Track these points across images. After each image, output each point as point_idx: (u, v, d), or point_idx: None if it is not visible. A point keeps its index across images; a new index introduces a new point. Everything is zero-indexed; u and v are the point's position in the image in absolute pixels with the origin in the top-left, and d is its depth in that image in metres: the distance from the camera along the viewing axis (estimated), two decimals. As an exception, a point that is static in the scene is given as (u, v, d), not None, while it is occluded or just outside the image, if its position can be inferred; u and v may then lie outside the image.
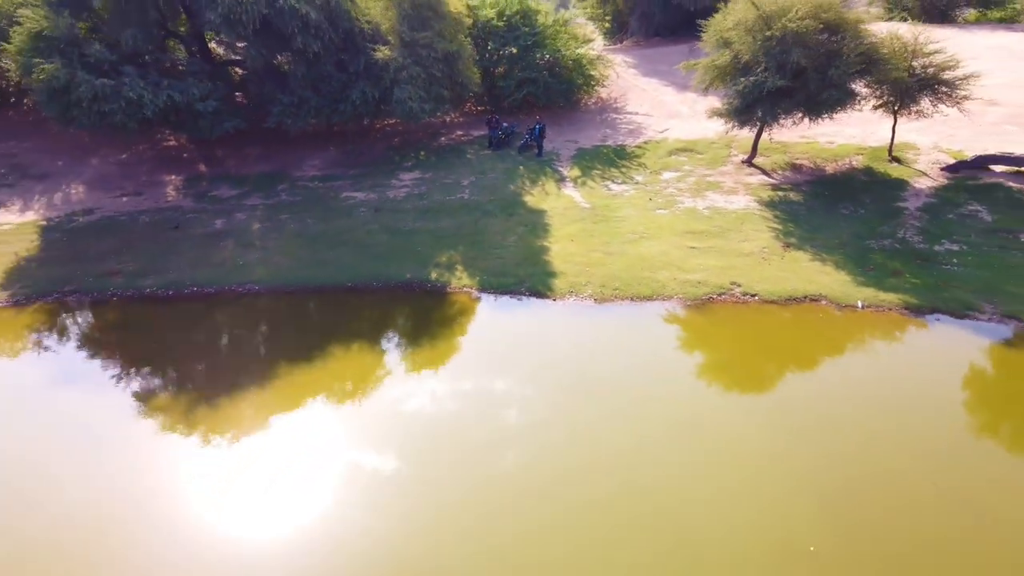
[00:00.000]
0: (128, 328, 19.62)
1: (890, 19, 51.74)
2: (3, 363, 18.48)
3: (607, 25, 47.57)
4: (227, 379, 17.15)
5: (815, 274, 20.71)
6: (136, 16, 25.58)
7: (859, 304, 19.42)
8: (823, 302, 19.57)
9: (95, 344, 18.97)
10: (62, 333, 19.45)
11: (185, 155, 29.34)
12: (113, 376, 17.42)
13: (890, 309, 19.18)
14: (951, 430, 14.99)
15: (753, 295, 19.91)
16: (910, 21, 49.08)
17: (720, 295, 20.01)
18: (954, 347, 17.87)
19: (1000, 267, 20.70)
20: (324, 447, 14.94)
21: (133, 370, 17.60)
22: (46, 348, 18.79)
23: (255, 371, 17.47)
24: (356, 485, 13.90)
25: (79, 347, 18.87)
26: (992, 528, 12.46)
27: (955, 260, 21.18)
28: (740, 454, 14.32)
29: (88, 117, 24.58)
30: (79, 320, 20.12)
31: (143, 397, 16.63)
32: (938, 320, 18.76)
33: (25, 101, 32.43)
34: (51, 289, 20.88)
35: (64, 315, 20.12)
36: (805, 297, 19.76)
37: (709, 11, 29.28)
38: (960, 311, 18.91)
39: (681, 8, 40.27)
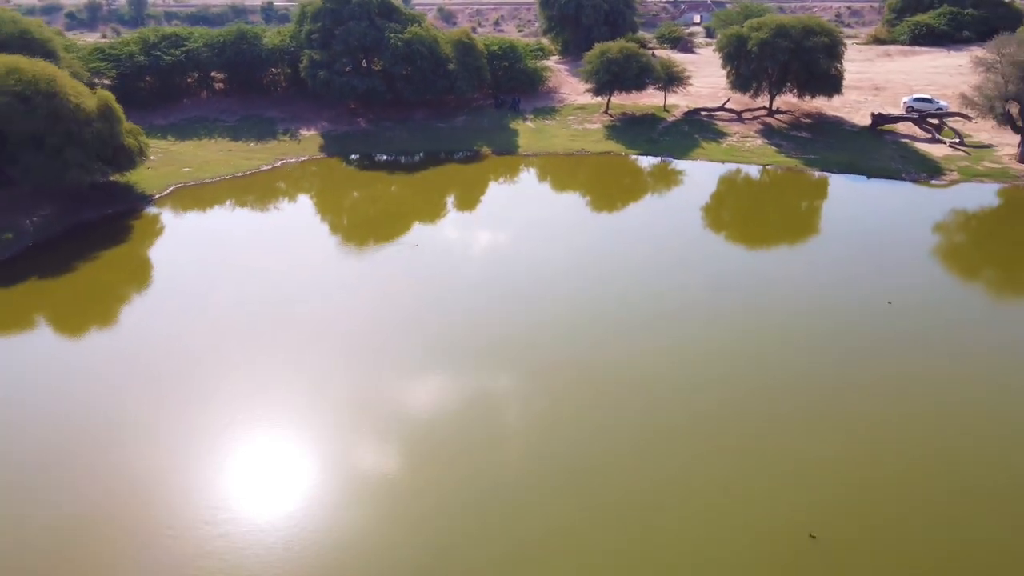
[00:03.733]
0: (372, 165, 56.81)
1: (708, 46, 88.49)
2: (330, 168, 55.59)
3: (559, 46, 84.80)
4: (410, 172, 54.40)
5: (614, 145, 57.92)
6: (349, 54, 62.92)
7: (623, 153, 56.70)
8: (611, 153, 56.81)
9: (358, 162, 56.16)
10: (348, 162, 56.60)
11: (360, 111, 66.50)
12: (374, 170, 54.68)
13: (632, 155, 56.39)
14: (644, 186, 52.47)
15: (588, 152, 57.14)
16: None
17: (576, 152, 57.24)
18: (649, 165, 55.18)
19: (678, 144, 57.90)
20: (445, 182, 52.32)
21: (377, 168, 54.82)
22: (345, 165, 55.93)
23: (416, 170, 54.66)
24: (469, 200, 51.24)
25: (352, 166, 56.02)
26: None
27: (665, 142, 58.36)
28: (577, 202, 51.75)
29: (337, 95, 61.98)
30: (350, 162, 57.25)
31: (388, 172, 53.82)
32: (648, 158, 55.99)
33: (279, 89, 69.65)
34: (337, 153, 58.09)
35: (347, 158, 57.30)
36: (605, 152, 56.99)
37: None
38: (656, 154, 56.16)
39: (596, 41, 77.16)
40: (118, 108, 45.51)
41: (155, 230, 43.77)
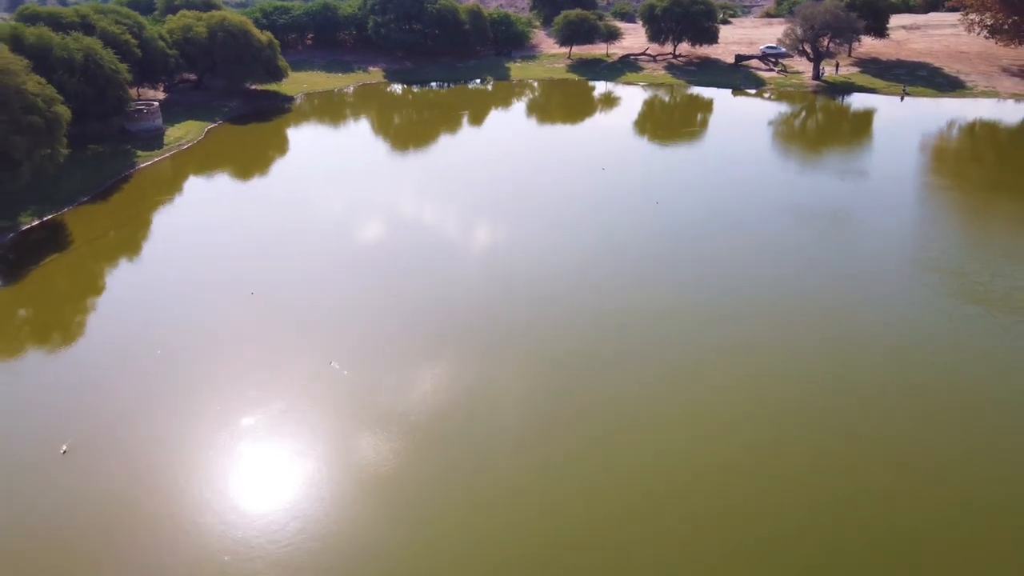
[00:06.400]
0: (417, 87, 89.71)
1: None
2: (392, 88, 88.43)
3: (541, 20, 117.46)
4: (441, 90, 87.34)
5: (571, 76, 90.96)
6: (399, 19, 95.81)
7: (576, 79, 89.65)
8: (569, 80, 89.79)
9: (409, 86, 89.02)
10: (402, 85, 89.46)
11: (405, 57, 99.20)
12: (419, 88, 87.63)
13: (586, 80, 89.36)
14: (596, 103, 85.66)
15: (555, 79, 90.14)
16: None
17: (547, 79, 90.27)
18: (602, 88, 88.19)
19: (612, 74, 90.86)
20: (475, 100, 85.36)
21: (421, 88, 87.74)
22: (403, 88, 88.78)
23: (445, 89, 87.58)
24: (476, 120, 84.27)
25: (406, 87, 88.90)
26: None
27: (604, 73, 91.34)
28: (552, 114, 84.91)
29: (392, 46, 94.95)
30: (402, 87, 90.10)
31: (429, 90, 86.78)
32: (596, 82, 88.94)
33: (348, 44, 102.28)
34: (394, 80, 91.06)
35: (403, 83, 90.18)
36: (565, 79, 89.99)
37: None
38: (597, 80, 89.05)
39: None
40: (277, 43, 78.38)
41: (299, 113, 76.53)
